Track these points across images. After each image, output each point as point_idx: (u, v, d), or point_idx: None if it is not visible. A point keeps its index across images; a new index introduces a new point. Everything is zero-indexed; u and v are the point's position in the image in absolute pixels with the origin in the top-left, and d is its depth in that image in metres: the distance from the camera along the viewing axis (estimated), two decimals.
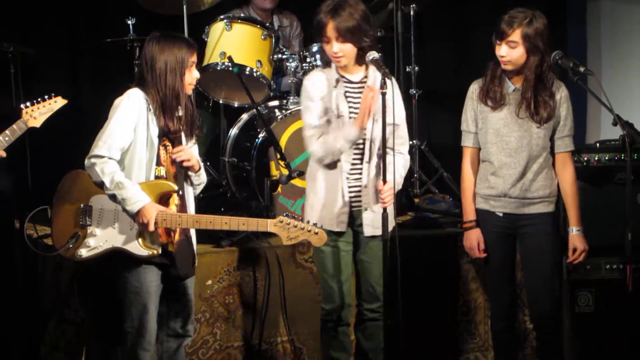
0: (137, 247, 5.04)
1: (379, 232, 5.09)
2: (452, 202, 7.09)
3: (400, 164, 5.19)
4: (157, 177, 5.08)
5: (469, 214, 5.45)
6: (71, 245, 5.09)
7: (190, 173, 5.23)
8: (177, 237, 5.12)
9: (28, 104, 5.42)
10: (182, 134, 5.17)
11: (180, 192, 5.11)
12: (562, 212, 5.48)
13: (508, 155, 5.32)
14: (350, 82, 5.24)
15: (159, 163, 5.09)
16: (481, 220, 5.43)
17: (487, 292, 6.12)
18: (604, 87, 5.42)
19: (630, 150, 5.18)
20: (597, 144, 6.12)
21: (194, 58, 5.12)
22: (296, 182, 6.32)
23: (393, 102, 5.06)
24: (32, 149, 6.41)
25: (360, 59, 5.19)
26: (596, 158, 6.00)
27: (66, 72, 7.77)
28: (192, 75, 5.11)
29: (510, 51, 5.22)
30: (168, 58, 5.03)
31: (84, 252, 5.09)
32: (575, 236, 5.41)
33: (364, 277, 5.33)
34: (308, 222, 5.06)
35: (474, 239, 5.42)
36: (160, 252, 5.06)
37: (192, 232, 5.26)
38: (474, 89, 5.41)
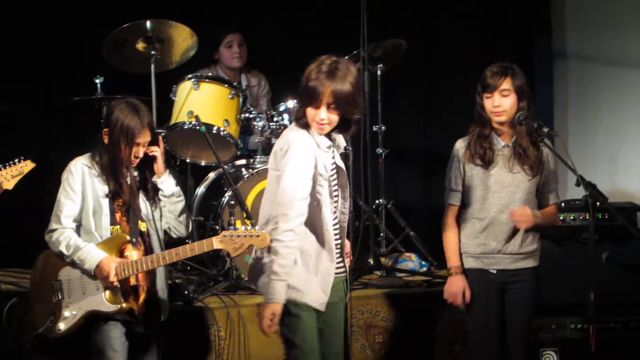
0: (106, 304, 5.09)
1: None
2: (418, 261, 7.10)
3: None
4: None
5: (454, 260, 5.38)
6: (50, 324, 5.15)
7: (159, 187, 5.24)
8: (142, 297, 5.15)
9: (0, 166, 5.44)
10: (142, 198, 5.21)
11: (134, 240, 5.15)
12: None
13: (500, 212, 5.32)
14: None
15: (114, 222, 5.16)
16: (472, 279, 5.36)
17: (453, 351, 6.10)
18: (570, 144, 5.44)
19: (593, 210, 5.21)
20: (562, 204, 6.15)
21: (142, 139, 5.11)
22: None
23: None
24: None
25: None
26: (561, 217, 6.02)
27: (39, 128, 7.81)
28: (132, 152, 5.11)
29: (503, 100, 5.23)
30: (117, 122, 5.08)
31: (62, 326, 5.15)
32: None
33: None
34: (246, 227, 4.83)
35: (460, 285, 5.35)
36: (127, 306, 5.09)
37: (161, 287, 5.25)
38: (460, 147, 5.38)
